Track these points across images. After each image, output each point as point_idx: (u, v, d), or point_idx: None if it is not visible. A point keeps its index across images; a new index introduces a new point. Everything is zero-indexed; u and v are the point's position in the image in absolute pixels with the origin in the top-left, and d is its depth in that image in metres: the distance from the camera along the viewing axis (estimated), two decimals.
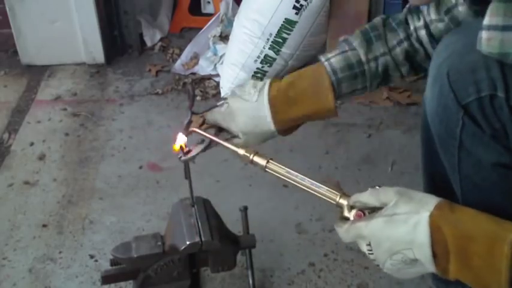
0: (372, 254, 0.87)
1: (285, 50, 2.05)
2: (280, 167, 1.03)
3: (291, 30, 1.99)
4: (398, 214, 0.83)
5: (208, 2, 2.59)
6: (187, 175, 1.18)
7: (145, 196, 1.71)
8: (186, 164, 1.16)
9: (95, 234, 1.58)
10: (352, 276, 1.45)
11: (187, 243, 1.17)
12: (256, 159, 1.05)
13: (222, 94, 2.15)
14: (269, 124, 1.12)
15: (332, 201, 0.97)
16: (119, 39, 2.42)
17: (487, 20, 0.77)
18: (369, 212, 0.90)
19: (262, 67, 2.08)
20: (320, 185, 1.00)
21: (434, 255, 0.81)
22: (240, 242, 1.27)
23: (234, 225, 1.37)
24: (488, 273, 0.78)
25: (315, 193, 1.00)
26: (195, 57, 2.34)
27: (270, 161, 1.04)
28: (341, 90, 1.09)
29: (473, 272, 0.79)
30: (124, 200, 1.70)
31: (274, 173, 1.03)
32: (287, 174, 1.04)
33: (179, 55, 2.38)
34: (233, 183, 1.75)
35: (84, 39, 2.30)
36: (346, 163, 1.81)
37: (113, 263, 1.24)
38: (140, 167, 1.83)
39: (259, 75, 2.11)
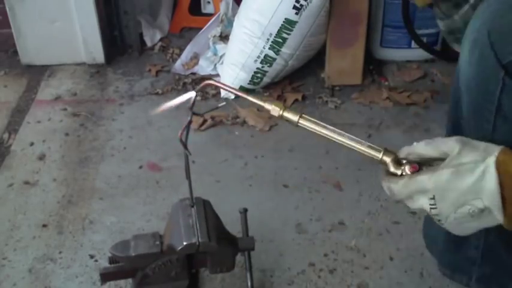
0: (435, 208, 0.84)
1: (285, 50, 2.05)
2: (314, 121, 0.98)
3: (291, 30, 1.99)
4: (464, 164, 0.81)
5: (208, 2, 2.59)
6: (188, 175, 1.18)
7: (145, 196, 1.71)
8: (187, 164, 1.15)
9: (95, 234, 1.58)
10: (352, 276, 1.45)
11: (184, 243, 1.17)
12: (287, 114, 0.97)
13: (222, 94, 2.15)
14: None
15: (375, 157, 0.95)
16: (119, 39, 2.42)
17: None
18: (423, 164, 0.87)
19: (262, 67, 2.09)
20: (360, 140, 0.97)
21: (504, 200, 0.79)
22: (239, 244, 1.27)
23: (233, 225, 1.37)
24: None
25: (356, 149, 0.98)
26: (195, 57, 2.34)
27: (303, 115, 0.97)
28: None
29: None
30: (124, 200, 1.70)
31: (307, 127, 0.98)
32: (322, 130, 0.98)
33: (179, 55, 2.38)
34: (233, 183, 1.75)
35: (84, 39, 2.30)
36: (346, 163, 1.81)
37: (111, 260, 1.25)
38: (140, 167, 1.83)
39: (259, 75, 2.11)
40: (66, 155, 1.88)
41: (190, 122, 1.10)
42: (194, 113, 1.14)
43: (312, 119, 0.96)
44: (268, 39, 2.02)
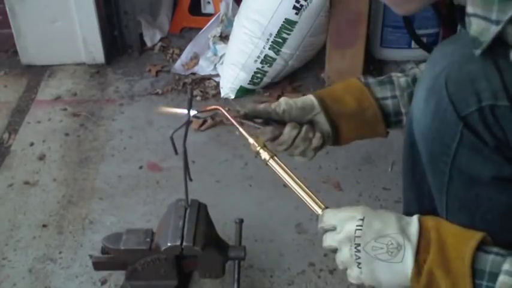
0: (360, 229, 0.89)
1: (285, 50, 2.05)
2: (282, 166, 1.08)
3: (291, 30, 1.99)
4: (394, 213, 0.90)
5: (208, 2, 2.59)
6: (188, 176, 1.18)
7: (145, 196, 1.71)
8: (185, 165, 1.15)
9: (95, 234, 1.58)
10: None
11: (168, 244, 1.18)
12: (262, 152, 1.11)
13: (222, 94, 2.15)
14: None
15: (315, 211, 1.05)
16: (119, 39, 2.42)
17: (470, 9, 0.77)
18: None
19: (262, 67, 2.09)
20: (305, 194, 1.10)
21: (418, 247, 0.85)
22: (229, 253, 1.26)
23: (232, 225, 1.37)
24: (456, 264, 0.83)
25: (303, 199, 1.08)
26: (195, 57, 2.34)
27: (274, 157, 1.07)
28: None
29: (447, 265, 0.83)
30: (124, 200, 1.70)
31: (274, 169, 1.07)
32: (284, 175, 1.09)
33: (179, 55, 2.38)
34: (233, 183, 1.75)
35: (84, 39, 2.30)
36: (346, 163, 1.81)
37: (103, 251, 1.26)
38: (140, 167, 1.83)
39: (259, 75, 2.11)
40: (66, 155, 1.88)
41: (188, 123, 1.10)
42: (195, 116, 1.14)
43: (281, 164, 1.09)
44: (268, 39, 2.02)
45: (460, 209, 0.92)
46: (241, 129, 1.12)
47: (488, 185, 0.87)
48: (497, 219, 0.90)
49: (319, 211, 1.01)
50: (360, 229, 0.89)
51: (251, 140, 1.11)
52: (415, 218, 0.87)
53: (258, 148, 1.09)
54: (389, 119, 1.14)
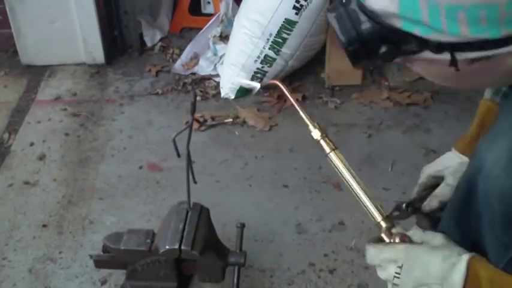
0: (398, 277, 0.85)
1: (285, 50, 2.05)
2: (341, 161, 0.98)
3: (291, 30, 1.99)
4: (441, 250, 0.83)
5: (208, 2, 2.59)
6: (192, 178, 1.17)
7: (146, 196, 1.71)
8: (190, 167, 1.15)
9: (95, 234, 1.57)
10: (352, 276, 1.45)
11: (166, 247, 1.18)
12: (323, 143, 1.02)
13: (222, 94, 2.15)
14: None
15: (373, 219, 0.95)
16: (119, 39, 2.42)
17: None
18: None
19: (262, 67, 2.08)
20: (367, 199, 0.98)
21: None
22: (229, 258, 1.25)
23: (233, 225, 1.37)
24: None
25: (361, 202, 0.99)
26: (195, 57, 2.34)
27: (335, 150, 0.99)
28: None
29: None
30: (124, 200, 1.70)
31: (332, 164, 0.98)
32: (343, 171, 0.97)
33: (179, 55, 2.38)
34: (233, 183, 1.75)
35: (84, 39, 2.30)
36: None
37: (104, 249, 1.26)
38: (140, 167, 1.83)
39: (259, 75, 2.11)
40: (66, 155, 1.88)
41: (191, 127, 1.10)
42: (197, 120, 1.13)
43: (341, 158, 0.97)
44: (268, 39, 2.02)
45: None
46: (301, 113, 1.05)
47: None
48: None
49: (379, 219, 0.94)
50: (398, 277, 0.85)
51: (312, 128, 1.04)
52: (463, 263, 0.80)
53: (319, 138, 1.01)
54: None
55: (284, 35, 2.01)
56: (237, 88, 2.14)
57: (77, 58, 2.35)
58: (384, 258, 0.87)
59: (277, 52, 2.05)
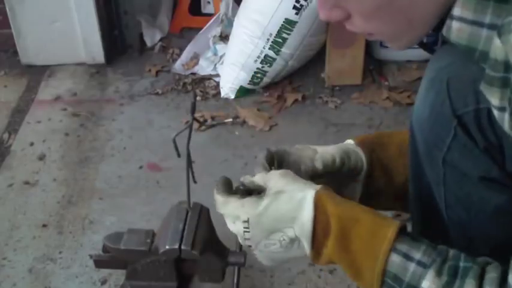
0: (248, 232, 0.85)
1: (285, 50, 2.05)
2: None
3: (291, 30, 1.99)
4: (283, 192, 0.83)
5: (208, 2, 2.59)
6: (193, 178, 1.17)
7: (146, 196, 1.71)
8: (190, 167, 1.15)
9: (95, 234, 1.58)
10: None
11: (166, 247, 1.18)
12: None
13: (222, 94, 2.15)
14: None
15: None
16: (119, 39, 2.42)
17: (458, 11, 0.73)
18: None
19: (262, 67, 2.08)
20: None
21: (314, 235, 0.81)
22: (229, 258, 1.25)
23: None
24: (365, 257, 0.78)
25: None
26: (195, 57, 2.34)
27: None
28: None
29: (350, 255, 0.79)
30: (124, 200, 1.70)
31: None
32: None
33: (179, 55, 2.38)
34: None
35: (84, 39, 2.30)
36: None
37: (104, 249, 1.26)
38: (140, 167, 1.83)
39: (259, 75, 2.11)
40: (66, 155, 1.88)
41: (191, 127, 1.09)
42: (195, 119, 1.13)
43: None
44: (268, 39, 2.02)
45: (456, 204, 0.91)
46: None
47: (478, 184, 0.87)
48: (490, 220, 0.88)
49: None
50: (247, 231, 0.85)
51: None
52: (309, 199, 0.80)
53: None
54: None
55: (284, 35, 2.01)
56: (237, 88, 2.14)
57: (77, 58, 2.35)
58: (229, 212, 0.87)
59: (277, 52, 2.05)
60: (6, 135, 1.98)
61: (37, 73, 2.32)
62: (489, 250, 0.83)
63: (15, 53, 2.36)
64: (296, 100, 2.12)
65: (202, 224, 1.22)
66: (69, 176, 1.79)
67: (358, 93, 2.15)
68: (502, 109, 0.67)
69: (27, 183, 1.77)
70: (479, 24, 0.71)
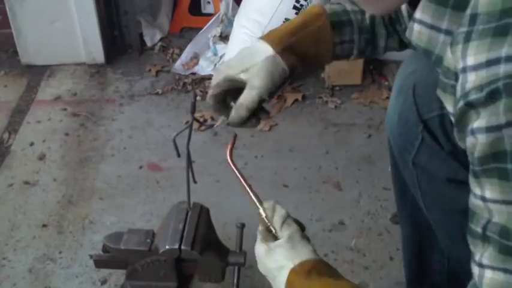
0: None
1: None
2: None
3: None
4: (278, 254, 0.87)
5: (208, 2, 2.59)
6: (192, 178, 1.17)
7: (145, 196, 1.71)
8: (190, 167, 1.15)
9: (95, 234, 1.58)
10: (352, 276, 1.44)
11: (166, 247, 1.18)
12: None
13: None
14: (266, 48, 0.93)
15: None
16: (119, 39, 2.42)
17: (418, 14, 0.75)
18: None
19: None
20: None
21: None
22: (229, 258, 1.25)
23: (232, 225, 1.36)
24: None
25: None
26: (195, 57, 2.34)
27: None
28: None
29: None
30: (124, 200, 1.70)
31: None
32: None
33: (179, 55, 2.38)
34: (233, 183, 1.74)
35: (84, 39, 2.30)
36: (346, 163, 1.81)
37: (104, 249, 1.26)
38: (140, 167, 1.83)
39: None
40: (66, 155, 1.88)
41: (191, 127, 1.09)
42: (195, 119, 1.13)
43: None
44: None
45: (433, 204, 0.94)
46: (250, 193, 1.09)
47: (447, 185, 0.89)
48: (465, 219, 0.90)
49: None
50: None
51: (261, 209, 1.05)
52: (285, 272, 0.85)
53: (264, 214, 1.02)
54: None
55: None
56: None
57: (77, 58, 2.35)
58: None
59: None
60: (6, 135, 1.98)
61: (37, 73, 2.32)
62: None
63: (15, 52, 2.36)
64: (296, 100, 2.12)
65: (202, 224, 1.22)
66: (69, 176, 1.79)
67: (358, 93, 2.15)
68: (454, 115, 0.68)
69: (27, 183, 1.77)
70: (437, 29, 0.72)
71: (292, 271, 0.83)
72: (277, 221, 0.94)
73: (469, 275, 0.71)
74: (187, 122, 1.14)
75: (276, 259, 0.86)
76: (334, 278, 0.83)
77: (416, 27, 0.76)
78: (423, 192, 0.94)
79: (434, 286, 1.22)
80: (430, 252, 1.11)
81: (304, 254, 0.85)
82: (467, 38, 0.63)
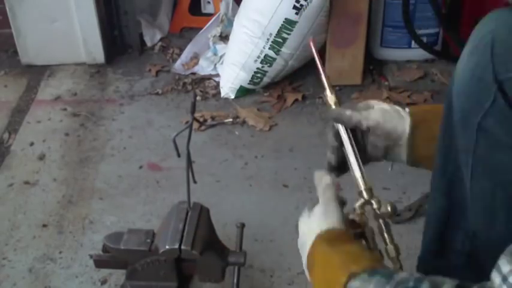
0: None
1: (285, 50, 2.05)
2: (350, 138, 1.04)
3: (291, 30, 1.99)
4: (312, 217, 0.98)
5: (208, 2, 2.59)
6: (192, 178, 1.17)
7: (145, 196, 1.71)
8: (190, 167, 1.15)
9: (95, 234, 1.58)
10: None
11: (166, 247, 1.18)
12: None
13: (222, 94, 2.15)
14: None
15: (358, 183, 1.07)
16: (119, 39, 2.42)
17: None
18: None
19: (262, 67, 2.08)
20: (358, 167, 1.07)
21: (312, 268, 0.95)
22: (229, 258, 1.26)
23: (232, 225, 1.36)
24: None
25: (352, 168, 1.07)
26: (195, 57, 2.34)
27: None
28: None
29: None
30: (124, 200, 1.70)
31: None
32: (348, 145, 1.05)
33: (179, 55, 2.38)
34: (233, 183, 1.75)
35: (84, 39, 2.30)
36: None
37: (104, 249, 1.26)
38: (140, 167, 1.83)
39: (259, 75, 2.11)
40: (66, 155, 1.88)
41: (191, 127, 1.09)
42: (195, 119, 1.13)
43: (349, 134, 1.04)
44: (268, 39, 2.02)
45: (483, 174, 0.90)
46: (323, 76, 1.10)
47: (509, 152, 0.86)
48: None
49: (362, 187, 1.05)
50: None
51: (330, 98, 1.08)
52: (313, 235, 0.94)
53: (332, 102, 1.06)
54: None
55: (284, 35, 2.01)
56: (237, 88, 2.14)
57: (77, 58, 2.35)
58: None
59: (277, 52, 2.05)
60: (6, 135, 1.98)
61: (37, 73, 2.32)
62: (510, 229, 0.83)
63: (15, 52, 2.36)
64: (296, 100, 2.12)
65: (202, 224, 1.22)
66: (69, 176, 1.79)
67: (358, 93, 2.15)
68: None
69: (27, 183, 1.77)
70: None
71: (318, 236, 0.90)
72: (319, 185, 1.03)
73: (489, 258, 0.70)
74: (187, 122, 1.14)
75: (309, 222, 0.97)
76: (356, 250, 0.88)
77: None
78: (476, 159, 0.90)
79: (450, 267, 1.19)
80: (455, 231, 1.08)
81: (332, 222, 0.92)
82: None
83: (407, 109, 1.07)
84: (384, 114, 1.05)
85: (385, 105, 1.07)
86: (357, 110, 1.05)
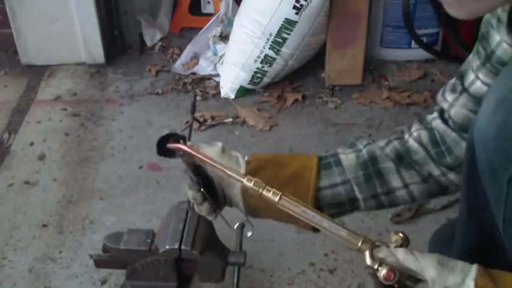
0: None
1: (285, 49, 2.05)
2: (295, 205, 0.90)
3: (291, 30, 1.99)
4: (439, 278, 0.82)
5: (208, 2, 2.59)
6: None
7: (145, 196, 1.71)
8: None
9: (95, 234, 1.58)
10: (352, 276, 1.45)
11: (166, 247, 1.18)
12: (266, 193, 0.89)
13: (222, 94, 2.15)
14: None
15: (353, 247, 0.93)
16: (119, 39, 2.42)
17: None
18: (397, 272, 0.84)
19: (262, 67, 2.08)
20: (340, 228, 0.94)
21: None
22: (229, 258, 1.25)
23: (232, 225, 1.36)
24: None
25: (335, 236, 0.93)
26: (195, 57, 2.34)
27: (283, 196, 0.90)
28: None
29: None
30: (124, 200, 1.70)
31: (286, 209, 0.90)
32: (302, 214, 0.91)
33: (179, 55, 2.38)
34: None
35: (84, 39, 2.30)
36: None
37: (104, 249, 1.26)
38: (140, 167, 1.83)
39: (259, 75, 2.11)
40: (66, 155, 1.88)
41: (191, 126, 1.09)
42: (195, 119, 1.13)
43: (293, 201, 0.89)
44: (268, 39, 2.02)
45: None
46: (228, 172, 0.94)
47: None
48: None
49: (359, 243, 0.93)
50: None
51: (248, 183, 0.91)
52: (470, 283, 0.80)
53: (261, 190, 0.89)
54: (344, 208, 1.07)
55: (284, 35, 2.01)
56: (237, 88, 2.14)
57: (77, 58, 2.35)
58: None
59: (277, 52, 2.05)
60: (6, 135, 1.98)
61: (37, 73, 2.32)
62: None
63: (15, 52, 2.36)
64: (296, 100, 2.12)
65: (202, 224, 1.22)
66: (69, 176, 1.79)
67: (358, 93, 2.15)
68: None
69: (27, 183, 1.77)
70: None
71: (477, 284, 0.79)
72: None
73: None
74: (187, 122, 1.14)
75: (445, 281, 0.82)
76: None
77: None
78: (509, 208, 0.88)
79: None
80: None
81: (468, 266, 0.82)
82: None
83: (246, 157, 1.00)
84: (221, 159, 0.98)
85: (221, 150, 1.00)
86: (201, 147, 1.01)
